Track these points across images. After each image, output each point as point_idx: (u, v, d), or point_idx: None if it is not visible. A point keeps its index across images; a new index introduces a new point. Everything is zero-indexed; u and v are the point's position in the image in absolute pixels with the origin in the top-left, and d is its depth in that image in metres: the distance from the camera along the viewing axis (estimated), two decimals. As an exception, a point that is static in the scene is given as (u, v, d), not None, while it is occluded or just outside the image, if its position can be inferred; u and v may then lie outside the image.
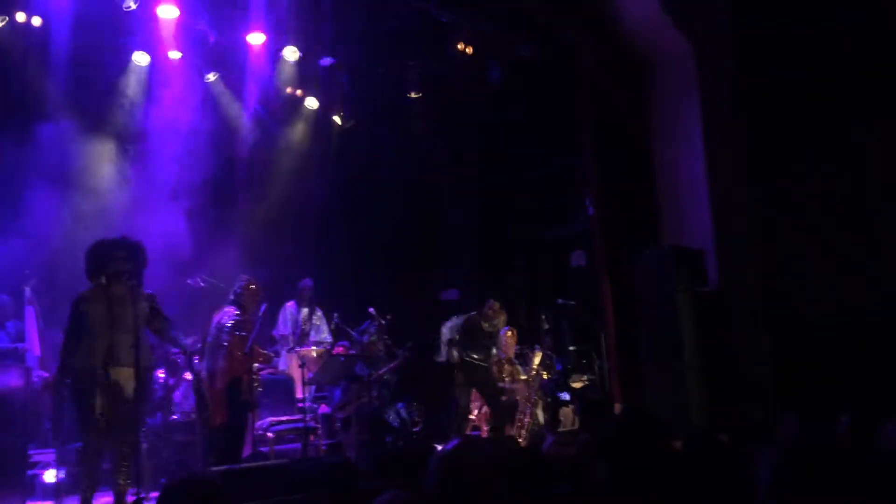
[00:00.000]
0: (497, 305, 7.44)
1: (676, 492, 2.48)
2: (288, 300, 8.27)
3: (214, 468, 5.63)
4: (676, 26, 7.58)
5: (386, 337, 7.52)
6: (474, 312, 7.50)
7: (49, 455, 6.00)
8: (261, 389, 6.33)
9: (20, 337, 6.04)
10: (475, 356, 7.27)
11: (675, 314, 6.72)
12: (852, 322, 6.34)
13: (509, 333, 7.87)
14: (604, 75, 8.15)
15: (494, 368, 7.65)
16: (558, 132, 9.11)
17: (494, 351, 7.58)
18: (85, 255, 5.03)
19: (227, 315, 6.07)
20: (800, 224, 6.82)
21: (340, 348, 7.72)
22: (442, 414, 7.39)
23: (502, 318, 7.49)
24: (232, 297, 6.23)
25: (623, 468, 2.49)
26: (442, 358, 7.50)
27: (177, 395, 6.74)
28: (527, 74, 8.74)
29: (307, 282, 8.29)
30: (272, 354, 6.65)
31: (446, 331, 7.57)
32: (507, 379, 7.81)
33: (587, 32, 8.03)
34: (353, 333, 7.48)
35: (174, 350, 6.75)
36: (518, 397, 7.73)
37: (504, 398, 7.55)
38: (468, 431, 7.22)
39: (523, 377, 7.82)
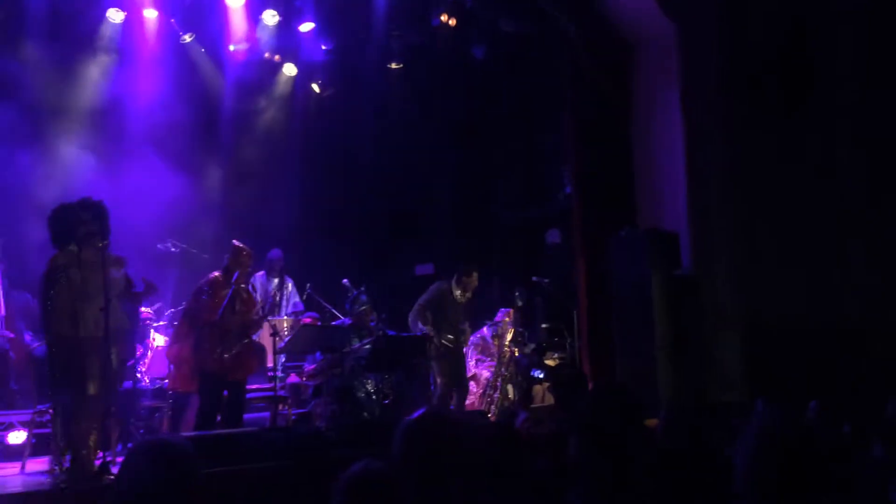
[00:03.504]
0: (475, 274, 7.30)
1: (649, 468, 2.50)
2: (257, 270, 8.17)
3: (182, 434, 5.60)
4: (661, 8, 7.55)
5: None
6: (441, 282, 7.35)
7: (13, 416, 5.91)
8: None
9: (-10, 297, 5.94)
10: (448, 337, 7.22)
11: (648, 296, 6.78)
12: (822, 315, 6.45)
13: (507, 318, 7.79)
14: (586, 55, 8.12)
15: (478, 349, 7.65)
16: (538, 109, 9.08)
17: (467, 328, 7.50)
18: (49, 221, 4.91)
19: (205, 279, 5.98)
20: (776, 214, 6.89)
21: (308, 319, 7.66)
22: (413, 386, 7.38)
23: (473, 287, 7.36)
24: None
25: (594, 443, 2.50)
26: (412, 326, 7.38)
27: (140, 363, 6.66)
28: (509, 50, 8.67)
29: (276, 252, 8.19)
30: (259, 320, 6.34)
31: (417, 305, 7.44)
32: (482, 359, 7.81)
33: (571, 10, 7.97)
34: (346, 305, 7.36)
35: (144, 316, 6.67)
36: (487, 374, 7.75)
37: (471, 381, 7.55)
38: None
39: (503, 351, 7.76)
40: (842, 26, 6.84)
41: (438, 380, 7.13)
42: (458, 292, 7.18)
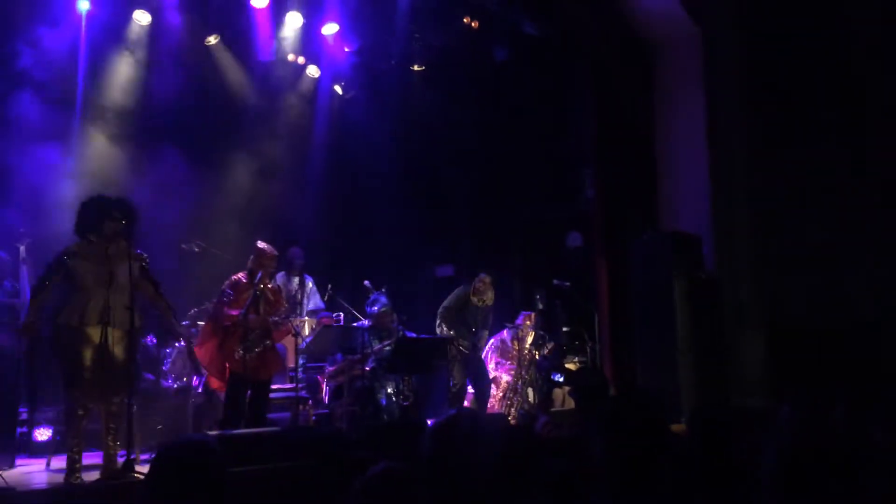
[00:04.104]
0: (487, 279, 7.40)
1: (672, 471, 2.49)
2: (277, 270, 8.18)
3: (208, 432, 5.63)
4: (684, 9, 7.51)
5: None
6: (463, 287, 7.46)
7: (39, 413, 5.99)
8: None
9: (16, 295, 5.99)
10: (463, 344, 7.25)
11: (670, 299, 6.73)
12: (846, 316, 6.38)
13: (528, 321, 7.80)
14: (609, 56, 8.10)
15: (498, 352, 7.67)
16: (560, 111, 9.05)
17: (486, 334, 7.53)
18: (80, 207, 4.93)
19: (228, 281, 6.03)
20: (798, 216, 6.83)
21: (325, 318, 7.67)
22: (433, 388, 7.40)
23: (490, 293, 7.44)
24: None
25: (618, 445, 2.49)
26: (438, 330, 7.47)
27: (166, 363, 6.71)
28: (532, 52, 8.66)
29: (296, 251, 8.18)
30: (279, 322, 6.32)
31: (441, 309, 7.52)
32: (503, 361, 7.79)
33: (594, 12, 7.95)
34: (367, 307, 7.39)
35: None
36: (507, 377, 7.74)
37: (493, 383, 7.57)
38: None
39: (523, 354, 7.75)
40: (865, 30, 6.76)
41: (453, 382, 7.17)
42: (475, 298, 7.25)
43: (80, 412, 4.74)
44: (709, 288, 6.92)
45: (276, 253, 6.12)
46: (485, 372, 7.51)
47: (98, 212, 4.87)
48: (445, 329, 7.30)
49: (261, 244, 6.08)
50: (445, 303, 7.40)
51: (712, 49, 7.48)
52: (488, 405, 7.47)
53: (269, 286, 6.07)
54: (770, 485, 2.00)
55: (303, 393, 6.94)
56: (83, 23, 7.56)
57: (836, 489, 1.98)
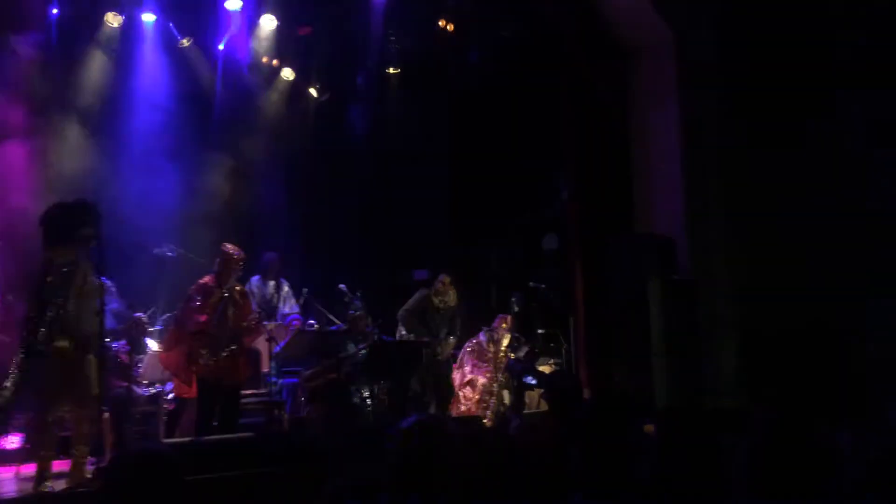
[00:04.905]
0: (447, 280, 7.37)
1: (648, 475, 2.50)
2: (252, 275, 8.13)
3: (169, 440, 5.58)
4: (658, 14, 7.57)
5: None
6: (424, 289, 7.42)
7: (9, 420, 5.88)
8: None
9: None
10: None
11: (645, 301, 6.76)
12: (819, 319, 6.45)
13: (504, 324, 7.78)
14: (585, 60, 8.13)
15: (474, 355, 7.65)
16: (536, 114, 9.08)
17: (451, 338, 7.51)
18: (46, 220, 4.82)
19: (195, 285, 5.93)
20: (772, 219, 6.89)
21: (297, 321, 7.63)
22: (408, 392, 7.37)
23: (452, 293, 7.40)
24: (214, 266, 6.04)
25: (594, 451, 2.50)
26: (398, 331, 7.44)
27: (137, 369, 6.62)
28: (507, 56, 8.68)
29: (271, 255, 8.13)
30: (256, 326, 6.22)
31: (402, 311, 7.47)
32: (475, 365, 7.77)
33: (570, 17, 7.99)
34: (349, 311, 7.34)
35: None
36: (483, 380, 7.73)
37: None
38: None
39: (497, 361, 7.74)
40: (841, 32, 6.85)
41: (416, 387, 7.14)
42: (435, 299, 7.22)
43: (49, 419, 4.67)
44: (683, 290, 6.97)
45: (243, 255, 6.01)
46: (446, 376, 7.45)
47: (72, 219, 4.78)
48: (405, 332, 7.26)
49: (227, 246, 5.97)
50: (406, 305, 7.36)
51: (686, 53, 7.55)
52: (464, 408, 7.45)
53: (237, 288, 5.99)
54: (740, 485, 2.02)
55: (277, 397, 6.89)
56: (54, 24, 7.47)
57: (803, 490, 2.00)
